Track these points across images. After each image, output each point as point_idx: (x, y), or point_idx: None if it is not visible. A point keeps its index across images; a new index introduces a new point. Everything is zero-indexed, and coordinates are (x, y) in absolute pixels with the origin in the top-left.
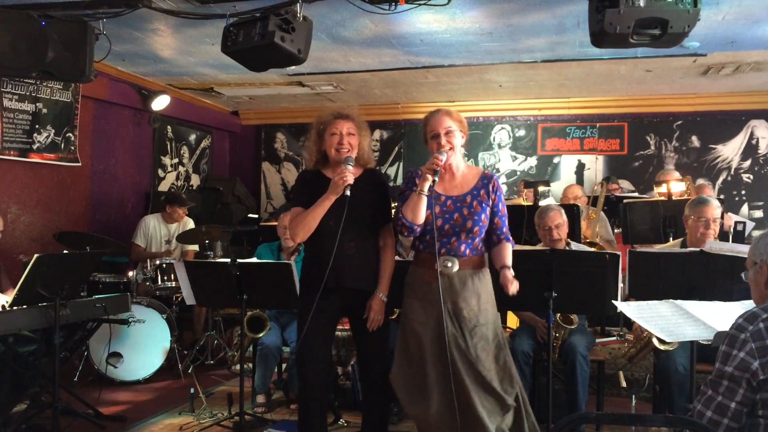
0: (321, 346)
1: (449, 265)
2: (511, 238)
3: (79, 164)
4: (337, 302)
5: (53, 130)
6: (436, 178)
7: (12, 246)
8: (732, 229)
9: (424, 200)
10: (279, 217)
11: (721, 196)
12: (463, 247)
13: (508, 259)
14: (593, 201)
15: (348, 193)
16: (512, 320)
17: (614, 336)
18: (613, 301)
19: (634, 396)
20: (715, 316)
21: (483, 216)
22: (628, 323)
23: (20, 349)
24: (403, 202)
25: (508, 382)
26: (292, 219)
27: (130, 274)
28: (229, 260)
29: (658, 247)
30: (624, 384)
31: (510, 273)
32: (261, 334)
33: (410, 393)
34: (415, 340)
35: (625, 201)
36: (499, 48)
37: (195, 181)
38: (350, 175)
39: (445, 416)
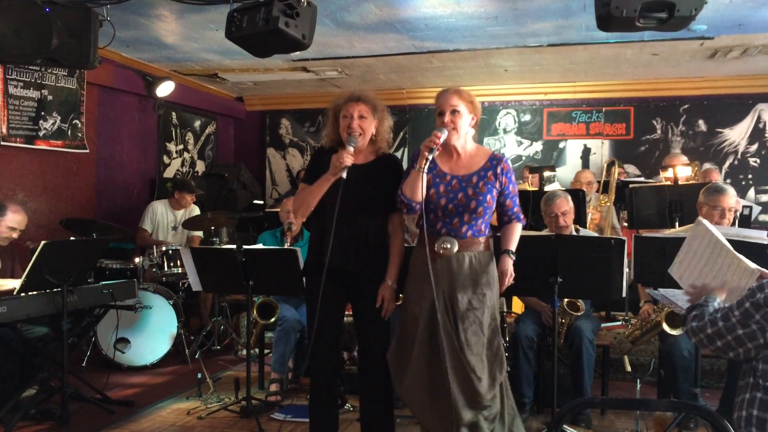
0: (328, 327)
1: (448, 246)
2: (522, 217)
3: (87, 151)
4: (339, 285)
5: (59, 117)
6: (430, 156)
7: (18, 236)
8: (738, 214)
9: (422, 177)
10: (282, 201)
11: (728, 181)
12: (464, 228)
13: (513, 242)
14: (604, 186)
15: (344, 175)
16: (517, 305)
17: (619, 321)
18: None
19: (639, 380)
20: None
21: (488, 197)
22: (634, 308)
23: (29, 335)
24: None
25: (498, 367)
26: (296, 195)
27: (137, 260)
28: (234, 246)
29: (668, 232)
30: (629, 368)
31: (508, 263)
32: (271, 320)
33: (399, 370)
34: (411, 320)
35: (630, 186)
36: (504, 32)
37: (200, 167)
38: (349, 157)
39: (425, 397)
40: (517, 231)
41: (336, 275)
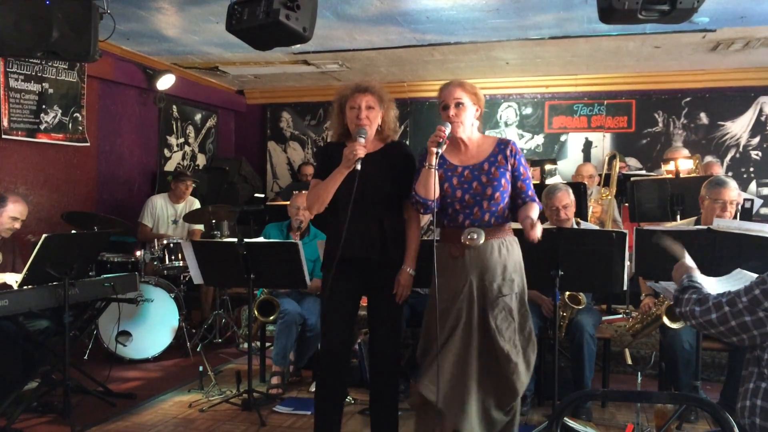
0: (340, 321)
1: (475, 236)
2: (537, 199)
3: (88, 144)
4: (356, 277)
5: (60, 111)
6: (440, 150)
7: (20, 226)
8: (740, 207)
9: (434, 174)
10: (292, 197)
11: (730, 174)
12: (487, 216)
13: (533, 213)
14: (605, 179)
15: (358, 167)
16: None
17: (620, 314)
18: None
19: (639, 373)
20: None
21: (503, 181)
22: (635, 301)
23: (30, 328)
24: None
25: (532, 351)
26: (309, 191)
27: (138, 253)
28: (236, 240)
29: (669, 225)
30: (630, 361)
31: (532, 220)
32: (271, 318)
33: (429, 371)
34: (441, 316)
35: (632, 179)
36: (505, 25)
37: (201, 160)
38: (361, 149)
39: (454, 391)
40: (535, 207)
41: (354, 268)
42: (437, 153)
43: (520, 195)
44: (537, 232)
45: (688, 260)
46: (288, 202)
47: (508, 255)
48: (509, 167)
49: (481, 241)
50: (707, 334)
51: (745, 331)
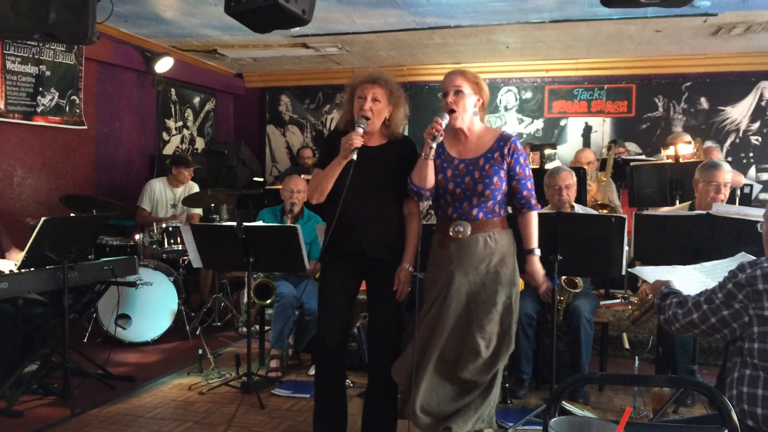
0: (337, 308)
1: (461, 229)
2: (534, 203)
3: (85, 127)
4: (355, 266)
5: (57, 93)
6: (434, 144)
7: (19, 209)
8: (739, 192)
9: (429, 165)
10: (284, 180)
11: (729, 159)
12: (475, 211)
13: (533, 238)
14: (602, 164)
15: (354, 157)
16: None
17: (618, 298)
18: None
19: (637, 357)
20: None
21: (495, 179)
22: (633, 286)
23: (30, 312)
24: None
25: (505, 346)
26: (311, 181)
27: (137, 237)
28: (235, 223)
29: (664, 210)
30: (627, 345)
31: (534, 262)
32: (268, 301)
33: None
34: (427, 304)
35: (631, 164)
36: (506, 8)
37: (200, 144)
38: (358, 138)
39: (434, 379)
40: (533, 222)
41: (353, 258)
42: (431, 147)
43: (515, 196)
44: (544, 288)
45: (662, 276)
46: None
47: (495, 248)
48: (504, 165)
49: (467, 234)
50: (691, 336)
51: (725, 326)
